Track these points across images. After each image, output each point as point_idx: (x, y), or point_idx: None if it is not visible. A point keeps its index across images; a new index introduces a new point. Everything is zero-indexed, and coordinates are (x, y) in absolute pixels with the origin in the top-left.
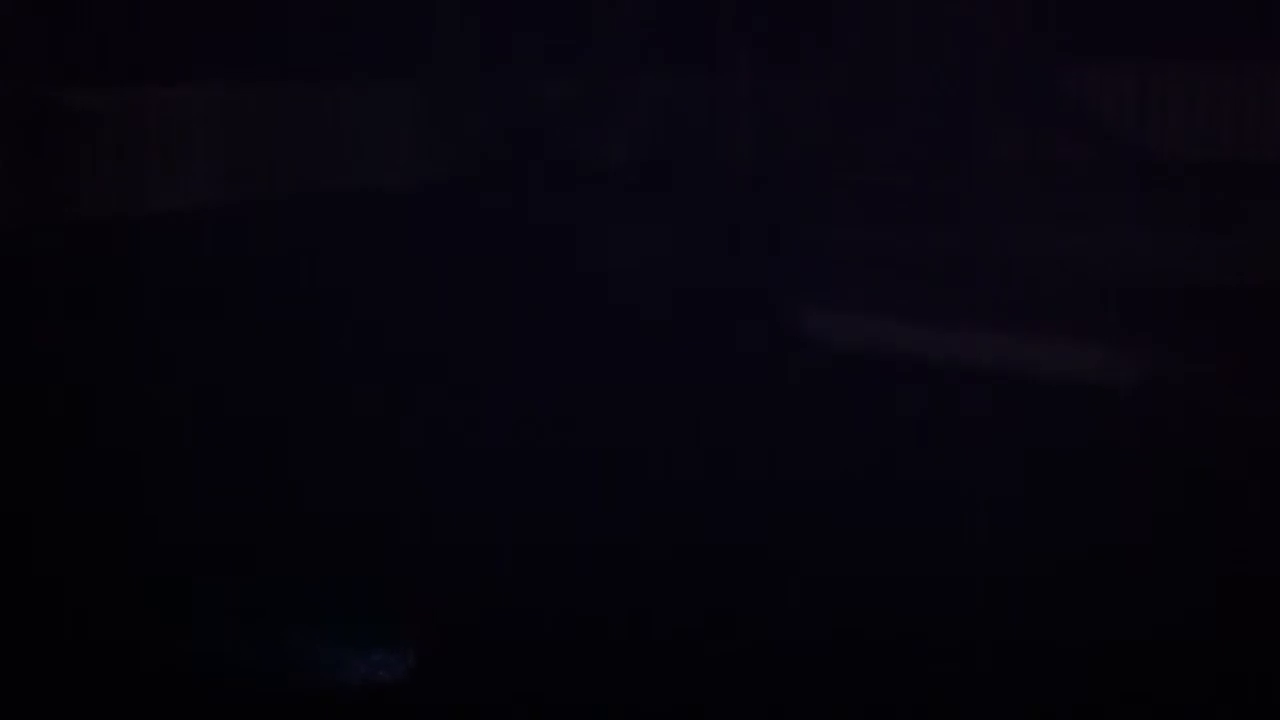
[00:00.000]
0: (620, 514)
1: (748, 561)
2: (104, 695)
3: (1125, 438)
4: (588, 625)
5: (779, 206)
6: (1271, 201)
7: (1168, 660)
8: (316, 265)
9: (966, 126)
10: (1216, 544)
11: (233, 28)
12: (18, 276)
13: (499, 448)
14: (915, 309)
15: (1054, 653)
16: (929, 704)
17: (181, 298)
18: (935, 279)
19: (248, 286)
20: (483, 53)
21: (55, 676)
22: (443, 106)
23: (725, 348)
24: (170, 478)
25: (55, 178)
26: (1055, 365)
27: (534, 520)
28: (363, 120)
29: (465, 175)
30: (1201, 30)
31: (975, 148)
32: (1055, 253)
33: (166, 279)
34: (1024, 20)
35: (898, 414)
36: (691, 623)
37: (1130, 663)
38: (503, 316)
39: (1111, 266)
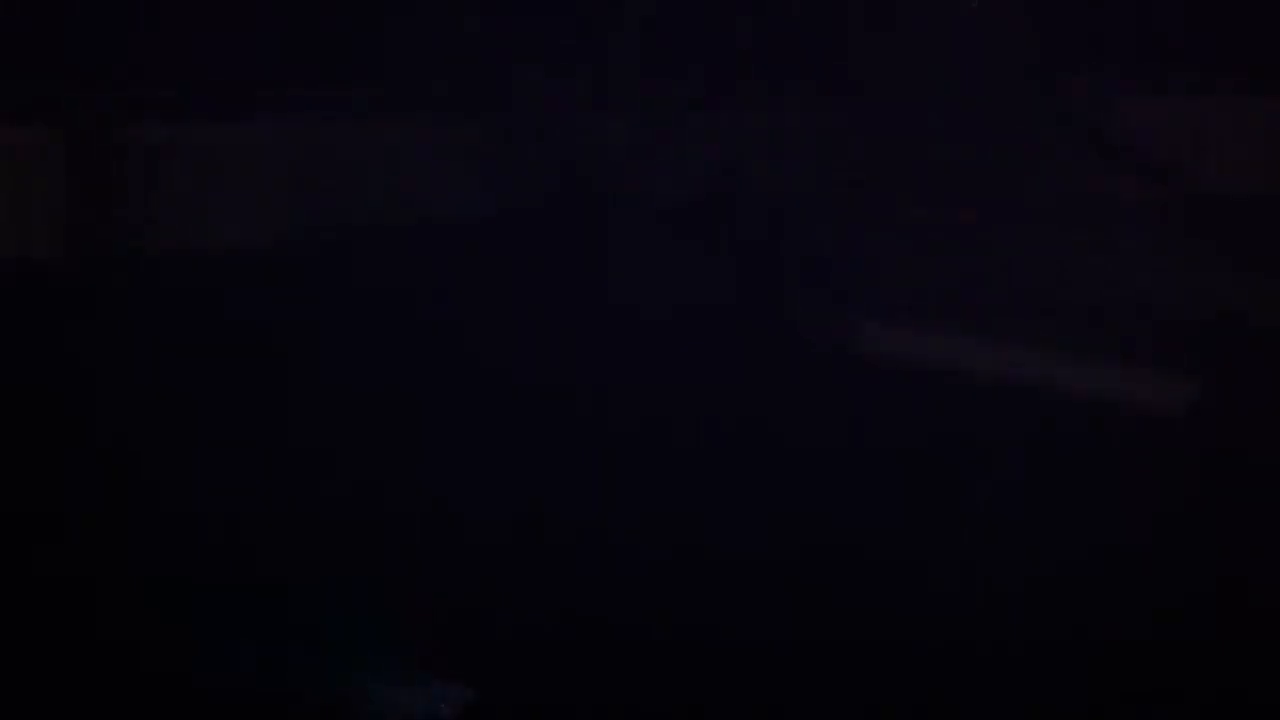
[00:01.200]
0: (622, 515)
1: (749, 563)
2: (103, 697)
3: (1133, 450)
4: (588, 625)
5: (821, 229)
6: None
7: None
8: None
9: (1000, 153)
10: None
11: (293, 62)
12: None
13: (504, 449)
14: (937, 327)
15: (1053, 653)
16: (929, 704)
17: (180, 298)
18: (960, 299)
19: (256, 289)
20: (541, 88)
21: (55, 677)
22: (500, 142)
23: (742, 355)
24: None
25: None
26: (1072, 384)
27: (535, 521)
28: (416, 155)
29: (520, 209)
30: (1251, 60)
31: (1010, 175)
32: (1093, 280)
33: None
34: (1067, 50)
35: (913, 424)
36: (692, 623)
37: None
38: (516, 324)
39: (1147, 296)
